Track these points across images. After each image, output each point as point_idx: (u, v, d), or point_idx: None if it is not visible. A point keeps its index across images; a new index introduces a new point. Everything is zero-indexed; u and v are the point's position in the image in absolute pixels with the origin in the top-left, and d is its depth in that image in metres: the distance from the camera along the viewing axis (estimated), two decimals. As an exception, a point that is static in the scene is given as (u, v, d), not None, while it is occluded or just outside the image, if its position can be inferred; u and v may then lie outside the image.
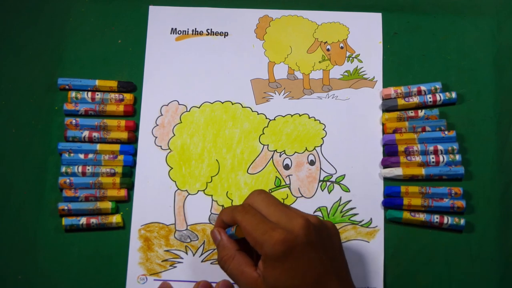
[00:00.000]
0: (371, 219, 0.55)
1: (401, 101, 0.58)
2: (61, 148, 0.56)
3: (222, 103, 0.59)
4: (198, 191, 0.56)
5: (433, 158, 0.56)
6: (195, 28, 0.61)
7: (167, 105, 0.59)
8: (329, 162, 0.57)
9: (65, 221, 0.54)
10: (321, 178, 0.56)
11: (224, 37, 0.61)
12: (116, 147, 0.57)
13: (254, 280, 0.43)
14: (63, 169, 0.56)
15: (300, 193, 0.56)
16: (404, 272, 0.54)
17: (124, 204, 0.56)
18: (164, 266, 0.54)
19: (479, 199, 0.56)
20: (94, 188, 0.55)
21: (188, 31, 0.61)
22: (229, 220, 0.47)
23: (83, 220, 0.54)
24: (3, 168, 0.56)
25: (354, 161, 0.57)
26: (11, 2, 0.62)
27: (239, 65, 0.60)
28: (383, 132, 0.58)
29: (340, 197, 0.56)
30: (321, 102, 0.59)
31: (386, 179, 0.56)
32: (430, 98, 0.58)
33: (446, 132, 0.56)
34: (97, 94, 0.58)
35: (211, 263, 0.54)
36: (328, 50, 0.60)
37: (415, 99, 0.58)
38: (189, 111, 0.58)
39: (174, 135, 0.58)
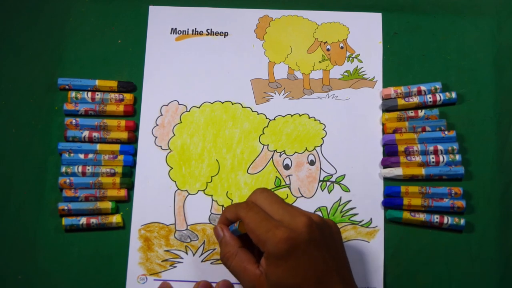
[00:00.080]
0: (371, 219, 0.55)
1: (401, 101, 0.58)
2: (61, 148, 0.56)
3: (222, 103, 0.59)
4: (198, 191, 0.56)
5: (433, 158, 0.56)
6: (195, 28, 0.61)
7: (167, 105, 0.59)
8: (329, 162, 0.57)
9: (65, 221, 0.54)
10: (321, 178, 0.56)
11: (224, 37, 0.61)
12: (116, 147, 0.57)
13: (256, 277, 0.43)
14: (63, 169, 0.56)
15: (300, 193, 0.56)
16: (404, 272, 0.54)
17: (124, 204, 0.56)
18: (164, 266, 0.54)
19: (479, 199, 0.56)
20: (94, 188, 0.55)
21: (188, 31, 0.61)
22: (232, 217, 0.47)
23: (83, 220, 0.54)
24: (3, 168, 0.56)
25: (354, 161, 0.57)
26: (11, 2, 0.62)
27: (239, 65, 0.60)
28: (383, 132, 0.58)
29: (340, 197, 0.56)
30: (321, 102, 0.59)
31: (386, 179, 0.56)
32: (430, 98, 0.58)
33: (446, 132, 0.56)
34: (97, 94, 0.58)
35: (211, 263, 0.54)
36: (328, 50, 0.60)
37: (415, 99, 0.58)
38: (189, 111, 0.58)
39: (174, 135, 0.58)
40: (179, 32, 0.61)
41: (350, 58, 0.60)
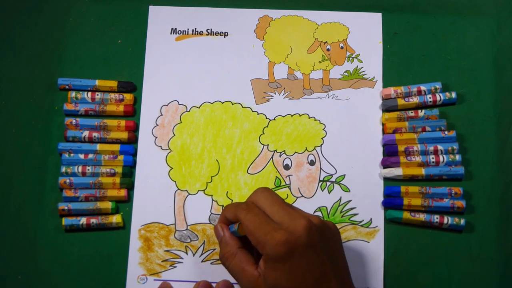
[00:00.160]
0: (371, 219, 0.55)
1: (401, 101, 0.58)
2: (61, 148, 0.56)
3: (222, 103, 0.59)
4: (198, 191, 0.56)
5: (433, 158, 0.56)
6: (195, 28, 0.61)
7: (167, 105, 0.59)
8: (329, 162, 0.57)
9: (65, 221, 0.54)
10: (321, 178, 0.56)
11: (224, 37, 0.61)
12: (116, 147, 0.57)
13: (254, 279, 0.43)
14: (63, 169, 0.56)
15: (300, 193, 0.56)
16: (404, 272, 0.54)
17: (124, 204, 0.56)
18: (164, 266, 0.54)
19: (479, 199, 0.56)
20: (94, 188, 0.55)
21: (188, 31, 0.61)
22: (232, 217, 0.47)
23: (83, 220, 0.54)
24: (3, 168, 0.56)
25: (354, 161, 0.57)
26: (11, 2, 0.62)
27: (239, 65, 0.60)
28: (383, 132, 0.58)
29: (340, 197, 0.56)
30: (321, 102, 0.59)
31: (386, 179, 0.56)
32: (430, 98, 0.58)
33: (446, 132, 0.56)
34: (97, 94, 0.58)
35: (211, 263, 0.54)
36: (328, 50, 0.60)
37: (415, 99, 0.58)
38: (189, 111, 0.58)
39: (174, 135, 0.58)
40: (179, 32, 0.61)
41: (350, 58, 0.60)
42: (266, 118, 0.58)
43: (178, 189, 0.56)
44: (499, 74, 0.59)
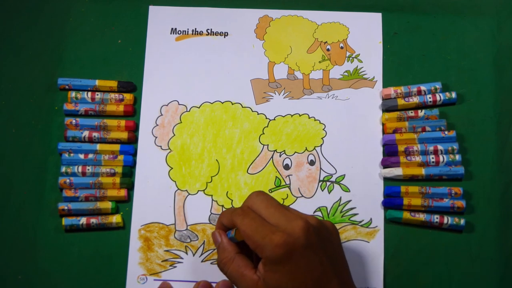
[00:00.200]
0: (371, 219, 0.55)
1: (401, 101, 0.58)
2: (61, 148, 0.56)
3: (222, 103, 0.59)
4: (198, 191, 0.56)
5: (433, 158, 0.56)
6: (195, 28, 0.61)
7: (167, 105, 0.59)
8: (329, 162, 0.57)
9: (65, 221, 0.54)
10: (321, 178, 0.56)
11: (224, 37, 0.61)
12: (116, 147, 0.57)
13: (254, 283, 0.43)
14: (63, 169, 0.56)
15: (300, 193, 0.56)
16: (404, 272, 0.54)
17: (124, 204, 0.56)
18: (164, 266, 0.54)
19: (479, 199, 0.56)
20: (94, 188, 0.55)
21: (188, 31, 0.61)
22: (228, 223, 0.46)
23: (83, 220, 0.54)
24: (3, 168, 0.56)
25: (354, 161, 0.57)
26: (11, 2, 0.62)
27: (239, 65, 0.60)
28: (383, 132, 0.58)
29: (340, 197, 0.56)
30: (321, 102, 0.59)
31: (386, 179, 0.56)
32: (430, 98, 0.58)
33: (446, 132, 0.56)
34: (97, 94, 0.58)
35: (211, 263, 0.54)
36: (328, 50, 0.60)
37: (415, 99, 0.58)
38: (189, 111, 0.58)
39: (174, 135, 0.58)
40: (179, 32, 0.61)
41: (350, 58, 0.60)
42: (266, 118, 0.58)
43: (178, 189, 0.56)
44: (499, 74, 0.59)
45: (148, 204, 0.56)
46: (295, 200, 0.56)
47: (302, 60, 0.60)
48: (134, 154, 0.57)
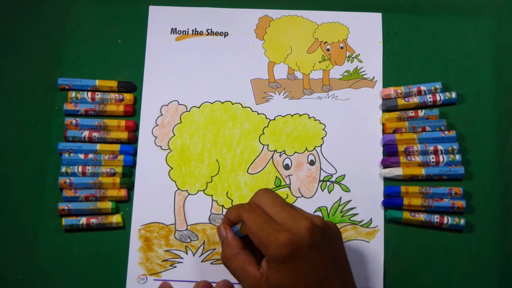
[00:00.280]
0: (371, 219, 0.55)
1: (401, 101, 0.58)
2: (61, 148, 0.56)
3: (222, 103, 0.59)
4: (198, 191, 0.56)
5: (433, 158, 0.56)
6: (195, 28, 0.61)
7: (167, 105, 0.59)
8: (329, 162, 0.57)
9: (65, 221, 0.54)
10: (321, 178, 0.56)
11: (224, 37, 0.61)
12: (116, 147, 0.57)
13: (257, 280, 0.43)
14: (63, 169, 0.56)
15: (300, 193, 0.56)
16: (404, 272, 0.54)
17: (124, 204, 0.56)
18: (164, 266, 0.54)
19: (479, 199, 0.56)
20: (94, 188, 0.55)
21: (188, 31, 0.61)
22: (235, 218, 0.47)
23: (83, 220, 0.54)
24: (3, 168, 0.56)
25: (354, 161, 0.57)
26: (11, 2, 0.62)
27: (239, 65, 0.60)
28: (383, 132, 0.58)
29: (340, 197, 0.56)
30: (321, 102, 0.59)
31: (386, 179, 0.56)
32: (430, 98, 0.58)
33: (446, 132, 0.56)
34: (97, 94, 0.58)
35: (211, 263, 0.54)
36: (328, 50, 0.60)
37: (415, 99, 0.58)
38: (189, 111, 0.58)
39: (174, 135, 0.58)
40: (179, 32, 0.61)
41: (350, 58, 0.60)
42: (266, 118, 0.58)
43: (178, 189, 0.56)
44: (499, 74, 0.59)
45: (148, 204, 0.56)
46: (295, 200, 0.56)
47: (302, 60, 0.60)
48: (134, 154, 0.57)
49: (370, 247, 0.54)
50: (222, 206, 0.56)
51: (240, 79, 0.59)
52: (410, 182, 0.56)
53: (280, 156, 0.57)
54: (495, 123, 0.58)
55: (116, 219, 0.54)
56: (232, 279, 0.47)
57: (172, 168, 0.57)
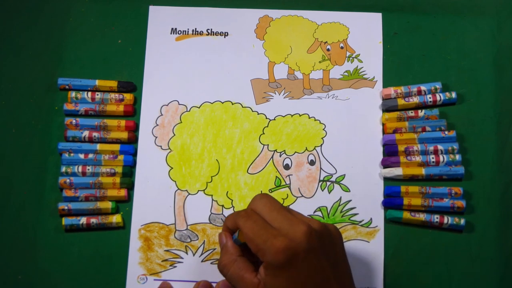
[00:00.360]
0: (371, 219, 0.55)
1: (401, 101, 0.58)
2: (61, 148, 0.56)
3: (222, 103, 0.59)
4: (198, 191, 0.56)
5: (433, 158, 0.56)
6: (195, 28, 0.61)
7: (167, 105, 0.59)
8: (329, 162, 0.57)
9: (65, 221, 0.54)
10: (321, 178, 0.56)
11: (224, 37, 0.61)
12: (116, 147, 0.57)
13: (254, 286, 0.43)
14: (63, 169, 0.56)
15: (300, 193, 0.56)
16: (404, 272, 0.54)
17: (124, 204, 0.56)
18: (164, 266, 0.54)
19: (479, 199, 0.56)
20: (94, 188, 0.55)
21: (188, 31, 0.61)
22: (232, 226, 0.46)
23: (83, 220, 0.54)
24: (3, 168, 0.56)
25: (354, 161, 0.57)
26: (11, 2, 0.62)
27: (239, 65, 0.60)
28: (383, 132, 0.58)
29: (340, 197, 0.56)
30: (321, 102, 0.59)
31: (386, 179, 0.56)
32: (430, 98, 0.58)
33: (446, 132, 0.56)
34: (97, 94, 0.58)
35: (211, 263, 0.54)
36: (328, 50, 0.60)
37: (415, 99, 0.58)
38: (189, 111, 0.58)
39: (174, 135, 0.58)
40: (179, 32, 0.61)
41: (350, 58, 0.60)
42: (266, 118, 0.58)
43: (178, 189, 0.56)
44: (499, 74, 0.59)
45: (148, 204, 0.56)
46: (295, 200, 0.56)
47: (302, 60, 0.60)
48: (134, 154, 0.57)
49: (370, 247, 0.54)
50: (222, 206, 0.56)
51: (240, 79, 0.59)
52: (410, 182, 0.56)
53: (280, 156, 0.57)
54: (495, 123, 0.58)
55: (116, 219, 0.54)
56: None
57: (172, 168, 0.57)
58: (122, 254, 0.54)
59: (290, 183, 0.56)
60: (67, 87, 0.59)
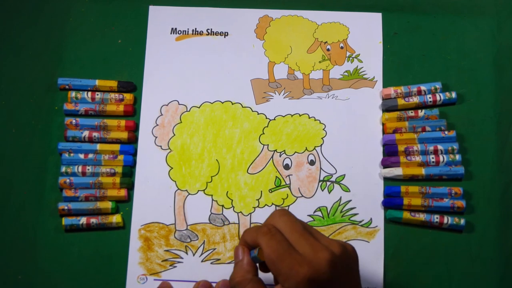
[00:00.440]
0: (371, 219, 0.55)
1: (401, 101, 0.58)
2: (61, 148, 0.56)
3: (222, 103, 0.59)
4: (198, 191, 0.56)
5: (433, 158, 0.56)
6: (195, 28, 0.61)
7: (167, 105, 0.59)
8: (329, 162, 0.57)
9: (65, 221, 0.54)
10: (321, 178, 0.56)
11: (224, 37, 0.61)
12: (116, 147, 0.57)
13: None
14: (63, 169, 0.56)
15: (300, 193, 0.56)
16: (404, 272, 0.54)
17: (124, 204, 0.56)
18: (164, 266, 0.54)
19: (479, 199, 0.56)
20: (94, 188, 0.55)
21: (188, 31, 0.61)
22: (252, 242, 0.44)
23: (83, 220, 0.54)
24: (3, 168, 0.56)
25: (354, 161, 0.57)
26: (11, 2, 0.62)
27: (239, 65, 0.60)
28: (383, 132, 0.58)
29: (340, 197, 0.56)
30: (321, 102, 0.59)
31: (386, 179, 0.56)
32: (430, 98, 0.58)
33: (446, 132, 0.56)
34: (97, 94, 0.58)
35: (211, 263, 0.54)
36: (328, 50, 0.60)
37: (415, 99, 0.58)
38: (189, 111, 0.58)
39: (174, 135, 0.58)
40: (179, 32, 0.61)
41: (350, 58, 0.60)
42: (266, 118, 0.58)
43: (178, 189, 0.56)
44: (499, 74, 0.59)
45: (148, 204, 0.56)
46: (295, 200, 0.56)
47: (302, 60, 0.60)
48: (134, 154, 0.57)
49: (370, 247, 0.54)
50: (222, 206, 0.56)
51: (240, 79, 0.59)
52: (410, 182, 0.56)
53: (280, 156, 0.57)
54: (495, 123, 0.58)
55: (116, 219, 0.54)
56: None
57: (172, 168, 0.57)
58: (122, 254, 0.54)
59: (290, 183, 0.56)
60: (67, 87, 0.59)
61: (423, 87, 0.58)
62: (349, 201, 0.56)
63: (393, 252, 0.54)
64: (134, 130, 0.58)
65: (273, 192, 0.56)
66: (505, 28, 0.61)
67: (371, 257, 0.54)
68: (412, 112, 0.57)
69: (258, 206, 0.56)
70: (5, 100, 0.59)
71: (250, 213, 0.55)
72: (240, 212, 0.56)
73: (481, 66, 0.60)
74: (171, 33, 0.61)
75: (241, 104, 0.59)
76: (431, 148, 0.56)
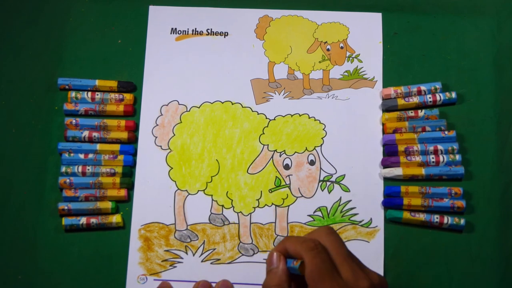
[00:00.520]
0: (371, 219, 0.55)
1: (401, 101, 0.58)
2: (61, 148, 0.56)
3: (222, 103, 0.59)
4: (198, 191, 0.56)
5: (433, 158, 0.56)
6: (195, 28, 0.61)
7: (167, 105, 0.59)
8: (329, 162, 0.57)
9: (65, 221, 0.54)
10: (321, 178, 0.56)
11: (224, 37, 0.61)
12: (116, 147, 0.57)
13: None
14: (63, 169, 0.56)
15: (300, 193, 0.56)
16: (404, 272, 0.54)
17: (124, 204, 0.56)
18: (164, 266, 0.54)
19: (479, 199, 0.56)
20: (94, 188, 0.55)
21: (188, 31, 0.61)
22: (294, 252, 0.43)
23: (83, 220, 0.54)
24: (3, 168, 0.56)
25: (354, 161, 0.57)
26: (11, 2, 0.62)
27: (239, 65, 0.60)
28: (383, 132, 0.58)
29: (340, 197, 0.56)
30: (321, 102, 0.59)
31: (386, 179, 0.56)
32: (430, 98, 0.58)
33: (446, 132, 0.56)
34: (97, 94, 0.58)
35: (211, 263, 0.54)
36: (328, 50, 0.60)
37: (415, 99, 0.58)
38: (189, 111, 0.58)
39: (174, 135, 0.58)
40: (179, 32, 0.61)
41: (350, 58, 0.60)
42: (266, 118, 0.58)
43: (178, 189, 0.56)
44: (499, 74, 0.59)
45: (148, 204, 0.56)
46: (295, 200, 0.56)
47: (302, 60, 0.60)
48: (134, 154, 0.57)
49: (370, 247, 0.54)
50: (222, 206, 0.56)
51: (240, 79, 0.59)
52: (410, 182, 0.56)
53: (280, 156, 0.57)
54: (495, 123, 0.58)
55: (116, 219, 0.54)
56: (232, 278, 0.47)
57: (172, 168, 0.57)
58: (122, 254, 0.54)
59: (290, 183, 0.56)
60: (67, 87, 0.59)
61: (423, 87, 0.58)
62: (349, 201, 0.56)
63: (393, 252, 0.54)
64: (134, 130, 0.58)
65: (273, 192, 0.56)
66: (505, 28, 0.61)
67: (371, 257, 0.54)
68: (412, 112, 0.57)
69: (258, 206, 0.56)
70: (5, 100, 0.59)
71: (250, 213, 0.56)
72: (240, 212, 0.56)
73: (481, 66, 0.60)
74: (171, 33, 0.61)
75: (241, 104, 0.59)
76: (431, 148, 0.56)
